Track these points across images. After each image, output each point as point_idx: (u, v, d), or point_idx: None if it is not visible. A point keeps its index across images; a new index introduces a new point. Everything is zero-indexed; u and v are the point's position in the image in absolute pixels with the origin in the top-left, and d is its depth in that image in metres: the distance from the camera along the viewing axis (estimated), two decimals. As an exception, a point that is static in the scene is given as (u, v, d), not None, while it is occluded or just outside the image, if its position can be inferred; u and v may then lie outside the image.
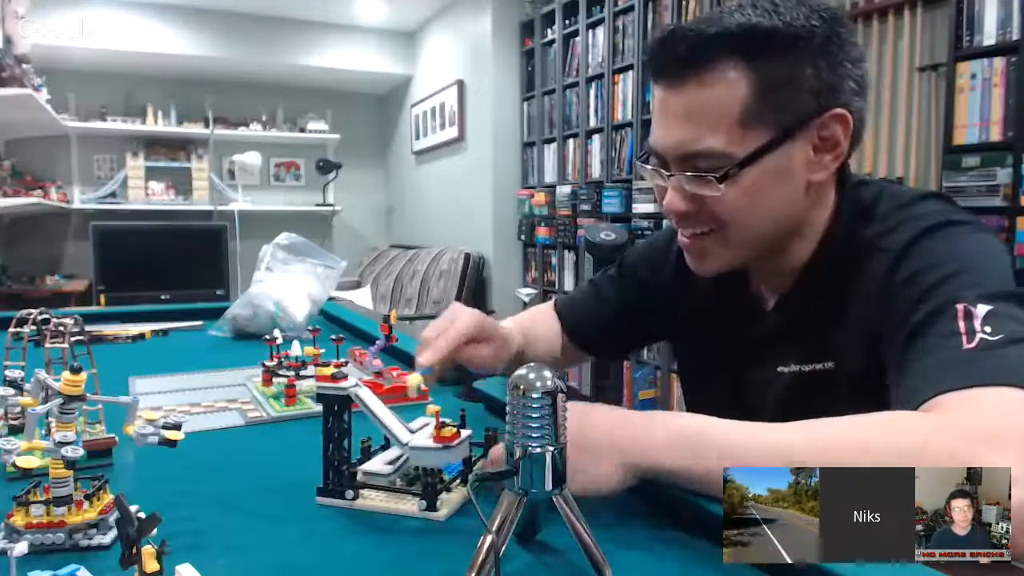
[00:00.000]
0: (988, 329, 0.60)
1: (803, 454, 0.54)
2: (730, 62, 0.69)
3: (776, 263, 0.81)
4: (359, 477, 0.68)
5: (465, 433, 0.66)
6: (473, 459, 0.70)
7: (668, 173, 0.75)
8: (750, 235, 0.76)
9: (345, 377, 0.66)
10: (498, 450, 0.65)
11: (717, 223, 0.75)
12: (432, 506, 0.64)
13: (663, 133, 0.74)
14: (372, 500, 0.66)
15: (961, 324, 0.61)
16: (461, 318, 0.89)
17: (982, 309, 0.62)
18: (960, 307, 0.63)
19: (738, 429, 0.59)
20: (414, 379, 0.77)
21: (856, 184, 0.80)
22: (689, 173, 0.73)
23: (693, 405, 1.02)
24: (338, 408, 0.66)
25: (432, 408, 0.68)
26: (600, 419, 0.62)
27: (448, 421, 0.65)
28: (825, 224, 0.79)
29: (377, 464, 0.70)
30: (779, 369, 0.81)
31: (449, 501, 0.65)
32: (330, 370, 0.67)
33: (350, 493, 0.66)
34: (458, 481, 0.68)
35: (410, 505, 0.65)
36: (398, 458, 0.69)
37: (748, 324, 0.86)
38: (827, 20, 0.71)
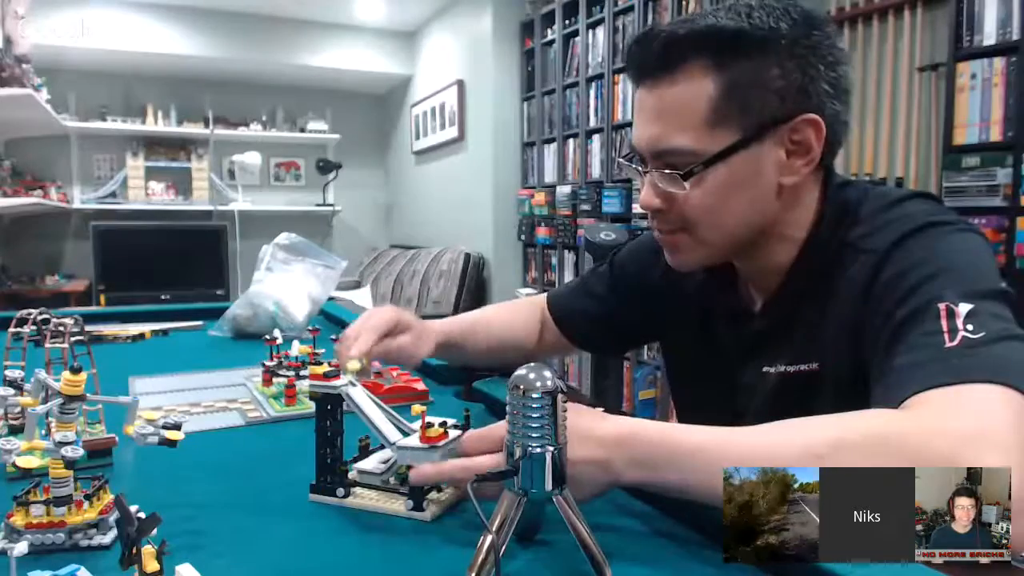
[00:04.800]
0: (970, 327, 0.60)
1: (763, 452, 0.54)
2: (698, 62, 0.71)
3: (759, 264, 0.82)
4: (355, 475, 0.68)
5: (454, 434, 0.65)
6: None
7: (645, 170, 0.77)
8: (719, 235, 0.77)
9: (337, 375, 0.67)
10: (473, 434, 0.64)
11: (685, 222, 0.77)
12: (419, 506, 0.64)
13: (640, 131, 0.77)
14: (364, 499, 0.67)
15: (943, 323, 0.61)
16: (375, 315, 0.96)
17: (964, 308, 0.62)
18: (942, 306, 0.62)
19: (685, 436, 0.58)
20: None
21: (840, 185, 0.80)
22: (660, 170, 0.75)
23: (681, 406, 1.02)
24: (330, 406, 0.67)
25: (417, 408, 0.68)
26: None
27: (434, 421, 0.65)
28: (808, 226, 0.79)
29: (371, 463, 0.70)
30: (765, 370, 0.81)
31: (438, 501, 0.65)
32: (323, 368, 0.67)
33: (340, 491, 0.66)
34: None
35: (399, 504, 0.65)
36: (392, 457, 0.69)
37: (736, 325, 0.86)
38: (799, 23, 0.71)
